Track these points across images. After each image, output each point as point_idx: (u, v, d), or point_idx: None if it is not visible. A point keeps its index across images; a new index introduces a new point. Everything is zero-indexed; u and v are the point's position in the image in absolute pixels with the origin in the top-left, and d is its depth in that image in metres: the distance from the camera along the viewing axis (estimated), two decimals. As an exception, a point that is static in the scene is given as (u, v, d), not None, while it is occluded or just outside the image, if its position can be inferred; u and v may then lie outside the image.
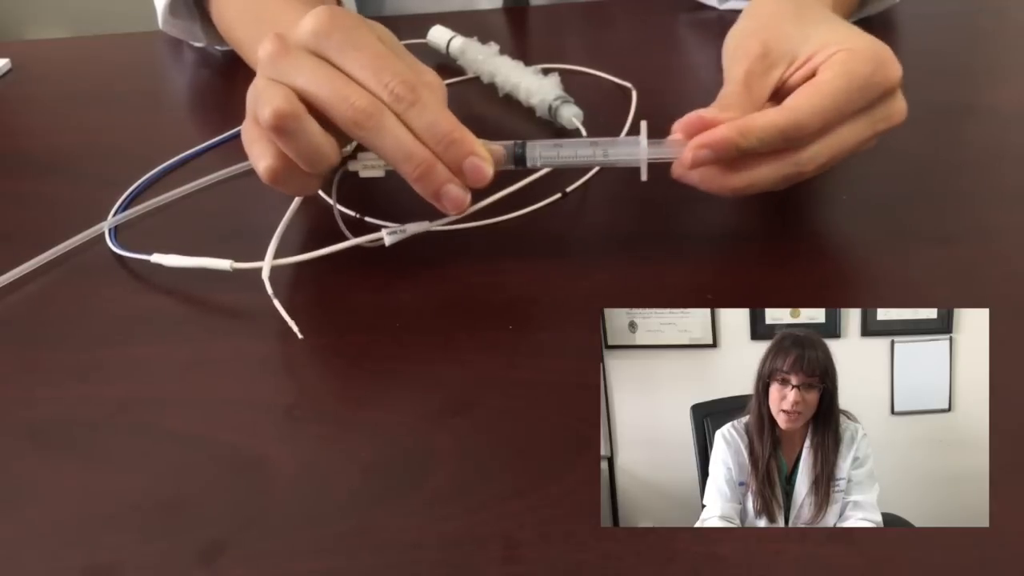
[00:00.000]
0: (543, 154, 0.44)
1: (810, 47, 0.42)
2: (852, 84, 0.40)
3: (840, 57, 0.41)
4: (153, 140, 0.60)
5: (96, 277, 0.47)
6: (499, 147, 0.44)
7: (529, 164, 0.44)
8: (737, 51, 0.44)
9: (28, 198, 0.55)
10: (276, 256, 0.44)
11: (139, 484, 0.35)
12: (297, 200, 0.48)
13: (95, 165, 0.58)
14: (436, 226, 0.46)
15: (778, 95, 0.42)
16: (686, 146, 0.40)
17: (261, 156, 0.42)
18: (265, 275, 0.43)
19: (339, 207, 0.46)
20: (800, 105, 0.40)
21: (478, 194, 0.43)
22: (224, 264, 0.45)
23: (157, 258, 0.46)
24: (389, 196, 0.49)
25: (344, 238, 0.45)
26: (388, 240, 0.45)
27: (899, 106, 0.42)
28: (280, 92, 0.40)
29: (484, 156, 0.42)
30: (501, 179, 0.46)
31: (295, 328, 0.41)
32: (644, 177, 0.43)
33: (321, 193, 0.49)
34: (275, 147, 0.41)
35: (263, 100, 0.40)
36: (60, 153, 0.60)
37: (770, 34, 0.43)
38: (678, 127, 0.41)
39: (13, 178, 0.58)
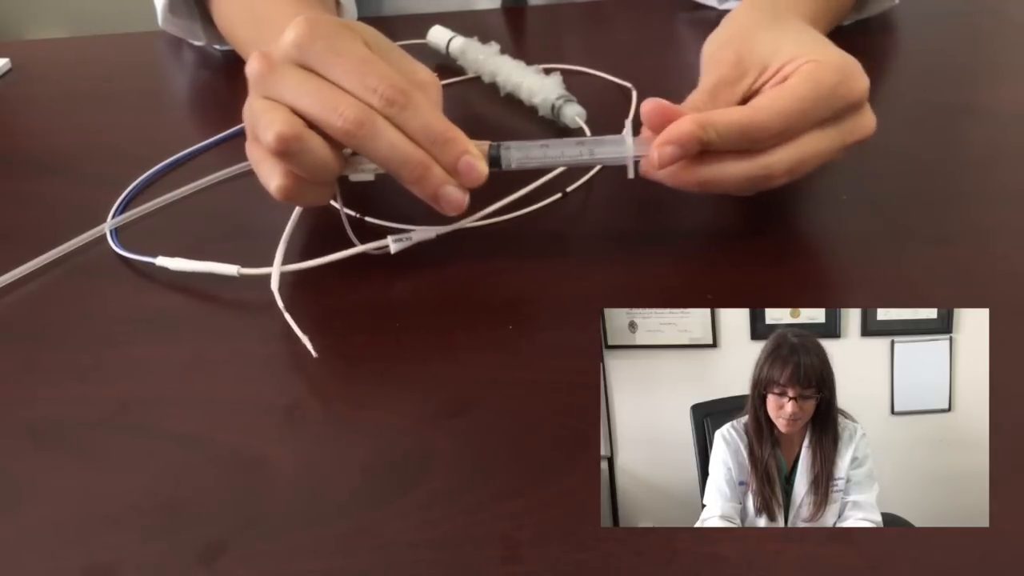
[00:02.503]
0: (529, 155, 0.43)
1: (781, 58, 0.43)
2: (816, 92, 0.41)
3: (807, 67, 0.42)
4: (153, 140, 0.60)
5: (97, 277, 0.47)
6: (486, 147, 0.43)
7: (515, 166, 0.43)
8: (712, 59, 0.45)
9: (28, 198, 0.55)
10: (281, 261, 0.44)
11: (139, 484, 0.35)
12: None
13: (95, 165, 0.58)
14: (442, 232, 0.46)
15: (746, 103, 0.43)
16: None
17: (270, 176, 0.42)
18: (274, 286, 0.43)
19: (345, 210, 0.46)
20: (762, 106, 0.41)
21: (484, 194, 0.43)
22: (231, 270, 0.45)
23: (162, 261, 0.46)
24: (388, 196, 0.49)
25: (348, 239, 0.45)
26: (394, 248, 0.45)
27: (868, 120, 0.43)
28: (279, 115, 0.40)
29: (477, 155, 0.42)
30: (505, 180, 0.46)
31: (309, 345, 0.41)
32: (631, 175, 0.43)
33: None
34: (282, 166, 0.41)
35: (263, 124, 0.40)
36: (60, 153, 0.60)
37: (744, 44, 0.44)
38: (644, 115, 0.42)
39: (13, 178, 0.58)
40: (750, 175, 0.41)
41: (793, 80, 0.41)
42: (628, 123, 0.43)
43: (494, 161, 0.43)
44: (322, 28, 0.41)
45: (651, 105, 0.41)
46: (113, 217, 0.51)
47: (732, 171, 0.41)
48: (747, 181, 0.41)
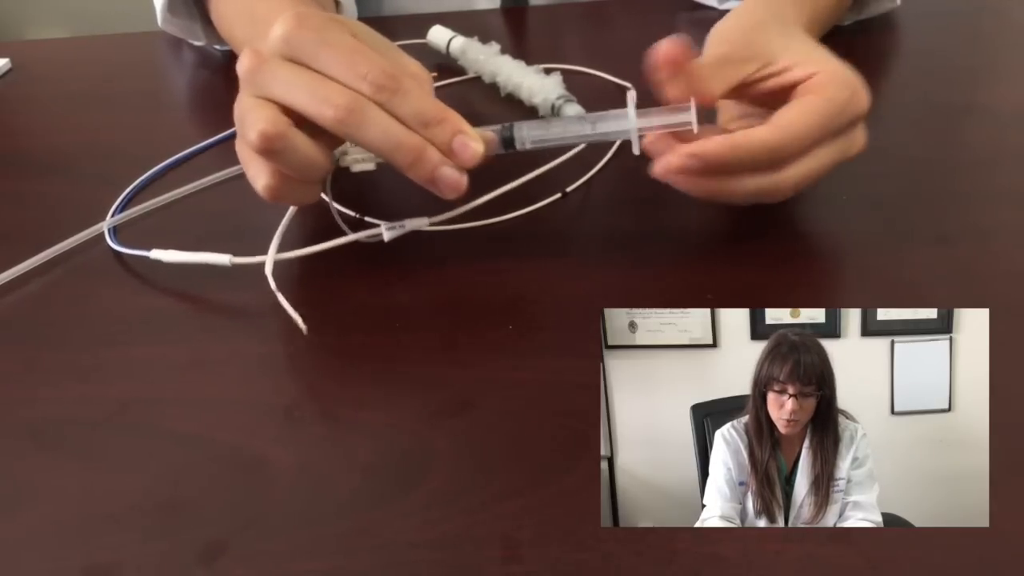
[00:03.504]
0: (531, 134, 0.43)
1: (788, 58, 0.43)
2: (832, 108, 0.41)
3: (821, 80, 0.42)
4: (152, 140, 0.60)
5: (96, 277, 0.47)
6: (489, 133, 0.43)
7: (530, 146, 0.43)
8: (718, 37, 0.46)
9: (28, 198, 0.55)
10: (276, 249, 0.44)
11: (139, 484, 0.35)
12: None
13: (95, 165, 0.58)
14: (435, 221, 0.46)
15: (745, 91, 0.43)
16: (674, 145, 0.41)
17: (258, 175, 0.42)
18: (268, 270, 0.43)
19: (336, 206, 0.46)
20: (790, 124, 0.41)
21: (482, 191, 0.43)
22: (224, 259, 0.45)
23: (156, 254, 0.46)
24: (388, 196, 0.50)
25: (343, 236, 0.45)
26: (387, 236, 0.45)
27: (862, 135, 0.44)
28: (263, 113, 0.40)
29: (472, 135, 0.41)
30: (504, 177, 0.46)
31: (300, 323, 0.41)
32: (636, 151, 0.42)
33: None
34: (269, 165, 0.41)
35: (248, 123, 0.40)
36: (60, 153, 0.60)
37: (754, 31, 0.45)
38: (659, 59, 0.41)
39: (13, 178, 0.58)
40: (760, 189, 0.41)
41: (809, 97, 0.41)
42: (632, 96, 0.42)
43: (507, 143, 0.43)
44: (310, 21, 0.41)
45: (667, 49, 0.41)
46: (112, 216, 0.51)
47: (745, 185, 0.41)
48: (755, 195, 0.42)
